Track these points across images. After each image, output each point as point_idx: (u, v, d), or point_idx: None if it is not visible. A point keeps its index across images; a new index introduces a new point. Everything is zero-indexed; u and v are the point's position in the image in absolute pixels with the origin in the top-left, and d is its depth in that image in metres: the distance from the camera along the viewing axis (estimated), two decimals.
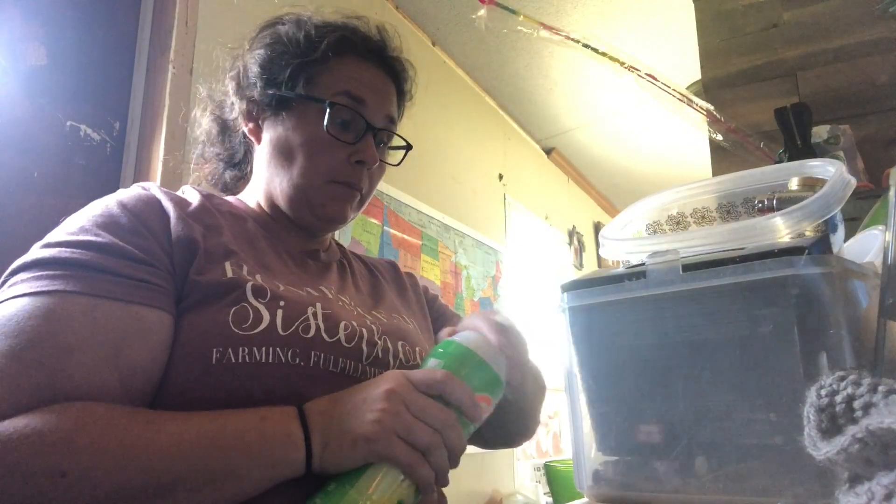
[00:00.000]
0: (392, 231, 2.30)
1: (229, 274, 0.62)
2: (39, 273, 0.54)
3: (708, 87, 1.86)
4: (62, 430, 0.47)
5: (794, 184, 0.60)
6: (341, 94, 0.74)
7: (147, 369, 0.56)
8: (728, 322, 0.45)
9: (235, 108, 0.79)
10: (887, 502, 0.27)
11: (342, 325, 0.66)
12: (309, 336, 0.61)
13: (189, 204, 0.69)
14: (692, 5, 1.97)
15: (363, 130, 0.75)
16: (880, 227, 0.65)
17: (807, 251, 0.42)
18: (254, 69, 0.77)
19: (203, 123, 0.85)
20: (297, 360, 0.59)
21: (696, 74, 1.95)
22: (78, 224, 0.59)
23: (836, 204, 0.49)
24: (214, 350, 0.56)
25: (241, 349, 0.57)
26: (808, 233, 0.51)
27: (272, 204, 0.78)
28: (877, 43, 1.65)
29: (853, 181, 0.52)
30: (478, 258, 2.91)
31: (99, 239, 0.58)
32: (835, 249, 0.53)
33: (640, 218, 0.68)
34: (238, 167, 0.84)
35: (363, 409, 0.54)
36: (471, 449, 0.72)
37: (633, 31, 2.72)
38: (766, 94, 1.77)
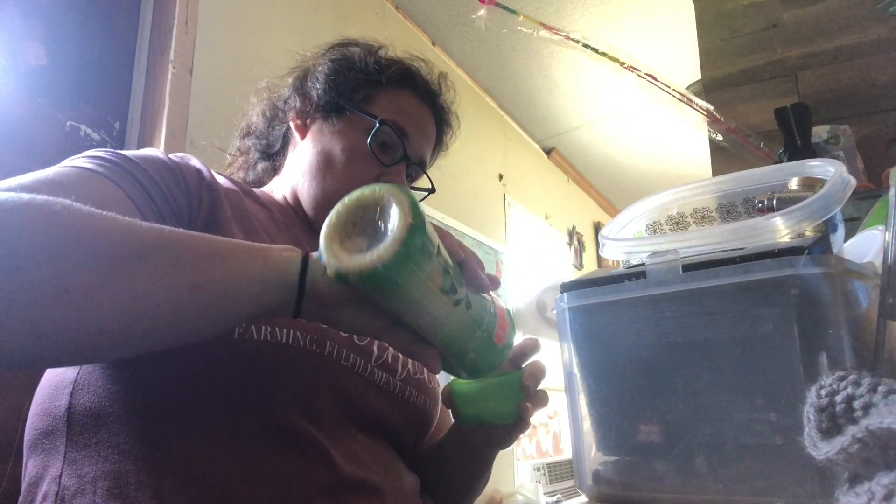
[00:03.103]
0: None
1: None
2: (87, 157, 0.57)
3: (708, 87, 1.86)
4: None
5: (794, 184, 0.60)
6: (391, 121, 0.78)
7: None
8: (728, 322, 0.45)
9: (290, 103, 0.83)
10: (887, 502, 0.27)
11: None
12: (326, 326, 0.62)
13: (220, 183, 0.71)
14: (692, 5, 1.97)
15: (399, 158, 0.79)
16: (880, 227, 0.65)
17: (807, 251, 0.42)
18: (320, 75, 0.81)
19: (252, 114, 0.89)
20: (314, 347, 0.61)
21: (696, 74, 1.95)
22: (127, 152, 0.63)
23: (836, 204, 0.49)
24: (237, 325, 0.57)
25: (263, 327, 0.58)
26: (808, 233, 0.51)
27: (296, 201, 0.81)
28: (877, 43, 1.65)
29: (853, 181, 0.52)
30: None
31: (141, 164, 0.60)
32: (835, 249, 0.53)
33: (640, 218, 0.68)
34: (271, 159, 0.87)
35: None
36: None
37: (633, 31, 2.72)
38: (766, 94, 1.77)
